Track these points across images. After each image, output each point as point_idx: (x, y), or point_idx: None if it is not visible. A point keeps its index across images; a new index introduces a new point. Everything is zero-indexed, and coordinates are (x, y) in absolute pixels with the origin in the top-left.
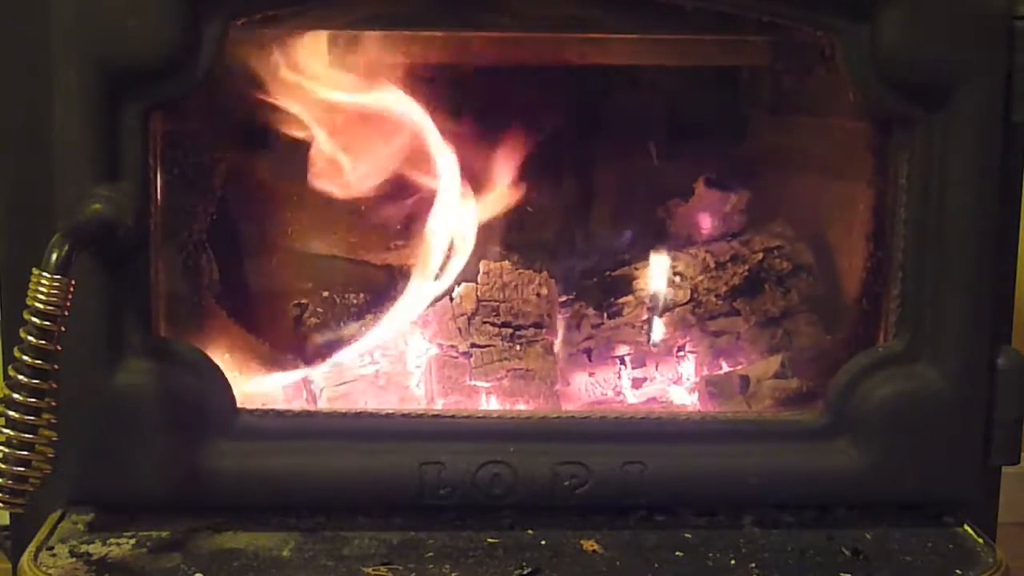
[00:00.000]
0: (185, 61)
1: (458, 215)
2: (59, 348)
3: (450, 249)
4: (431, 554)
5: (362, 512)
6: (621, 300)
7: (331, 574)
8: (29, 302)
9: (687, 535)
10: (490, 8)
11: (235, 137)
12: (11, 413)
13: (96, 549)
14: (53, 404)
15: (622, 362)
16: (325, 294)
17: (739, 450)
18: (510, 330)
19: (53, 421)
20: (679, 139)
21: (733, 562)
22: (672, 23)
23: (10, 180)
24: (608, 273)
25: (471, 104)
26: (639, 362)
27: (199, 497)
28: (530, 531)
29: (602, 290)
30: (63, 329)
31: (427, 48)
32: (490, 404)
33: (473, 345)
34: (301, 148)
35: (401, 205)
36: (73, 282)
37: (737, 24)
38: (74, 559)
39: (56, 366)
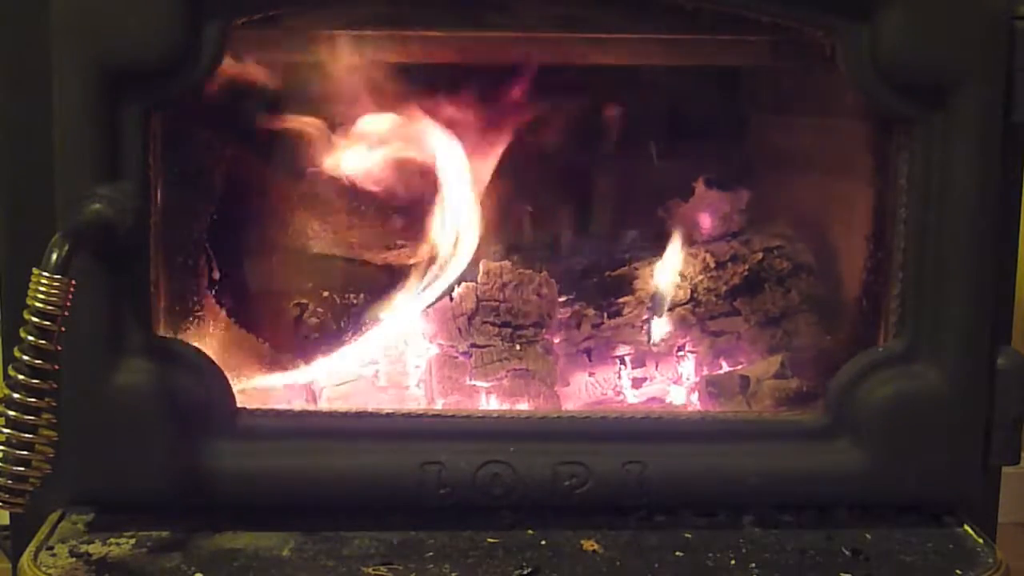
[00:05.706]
0: (185, 61)
1: (458, 215)
2: (59, 348)
3: (451, 249)
4: (431, 554)
5: (362, 512)
6: (621, 300)
7: (331, 574)
8: (29, 302)
9: (687, 535)
10: (490, 8)
11: (235, 137)
12: (11, 413)
13: (96, 549)
14: (53, 404)
15: (622, 362)
16: (325, 294)
17: (739, 450)
18: (510, 330)
19: (53, 421)
20: (679, 139)
21: (733, 562)
22: (672, 23)
23: (10, 180)
24: (608, 273)
25: (471, 103)
26: (639, 362)
27: (199, 497)
28: (530, 531)
29: (602, 290)
30: (63, 329)
31: (427, 48)
32: (490, 404)
33: (473, 345)
34: (301, 148)
35: (401, 204)
36: (73, 282)
37: (737, 24)
38: (74, 559)
39: (56, 366)
